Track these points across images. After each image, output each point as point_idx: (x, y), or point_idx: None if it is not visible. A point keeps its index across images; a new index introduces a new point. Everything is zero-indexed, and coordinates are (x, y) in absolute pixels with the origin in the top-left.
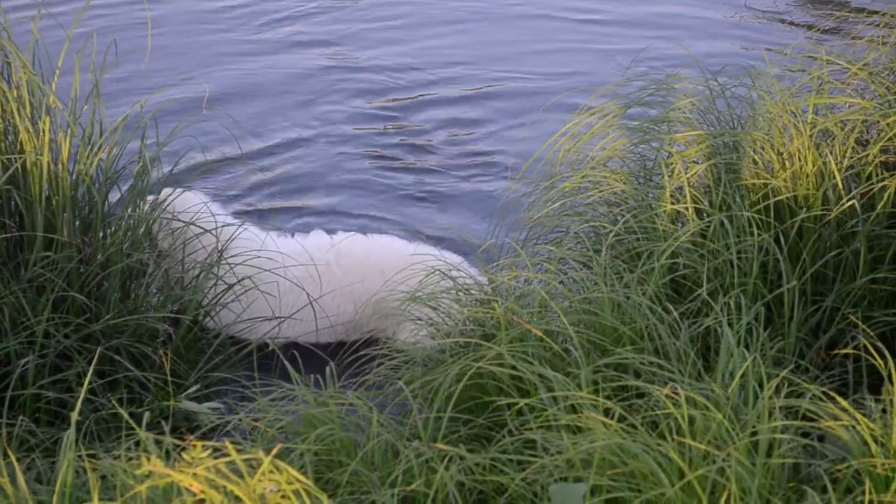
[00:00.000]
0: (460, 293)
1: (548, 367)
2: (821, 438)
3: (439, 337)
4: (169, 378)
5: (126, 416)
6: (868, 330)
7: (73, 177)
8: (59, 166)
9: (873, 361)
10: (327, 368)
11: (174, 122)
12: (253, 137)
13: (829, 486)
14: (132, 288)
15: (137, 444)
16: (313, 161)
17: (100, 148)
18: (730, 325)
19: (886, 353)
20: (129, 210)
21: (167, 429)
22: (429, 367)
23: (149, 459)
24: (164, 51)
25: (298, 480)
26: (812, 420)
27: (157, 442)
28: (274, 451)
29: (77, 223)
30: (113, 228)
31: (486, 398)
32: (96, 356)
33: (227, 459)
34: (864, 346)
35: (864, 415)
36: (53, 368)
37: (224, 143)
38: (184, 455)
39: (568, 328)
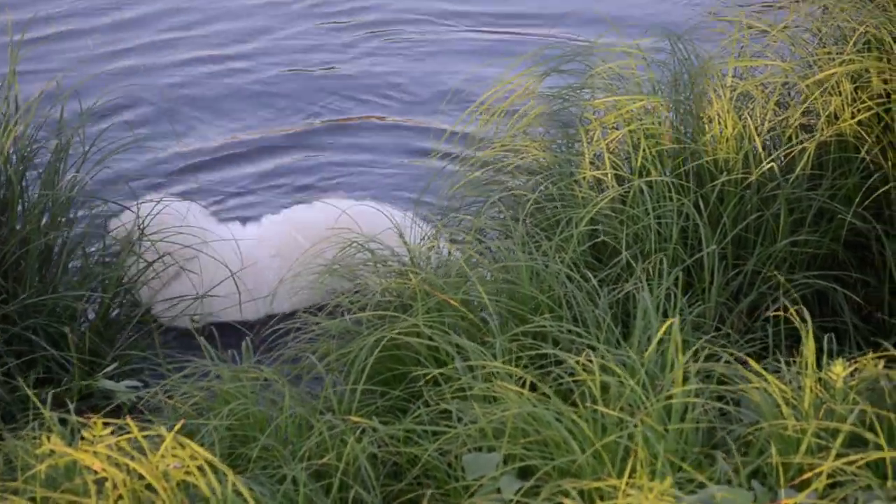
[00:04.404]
0: (378, 265)
1: (464, 336)
2: (737, 403)
3: (356, 309)
4: (85, 357)
5: (31, 394)
6: (791, 291)
7: None
8: None
9: (793, 323)
10: (243, 343)
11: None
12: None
13: (734, 450)
14: (49, 267)
15: (43, 424)
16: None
17: (14, 124)
18: (650, 290)
19: (807, 314)
20: (48, 188)
21: (72, 407)
22: (345, 340)
23: (49, 438)
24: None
25: (202, 456)
26: (728, 384)
27: (63, 421)
28: (176, 428)
29: None
30: (30, 207)
31: (403, 370)
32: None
33: (128, 437)
34: (785, 309)
35: (779, 378)
36: None
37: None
38: (84, 433)
39: (483, 297)
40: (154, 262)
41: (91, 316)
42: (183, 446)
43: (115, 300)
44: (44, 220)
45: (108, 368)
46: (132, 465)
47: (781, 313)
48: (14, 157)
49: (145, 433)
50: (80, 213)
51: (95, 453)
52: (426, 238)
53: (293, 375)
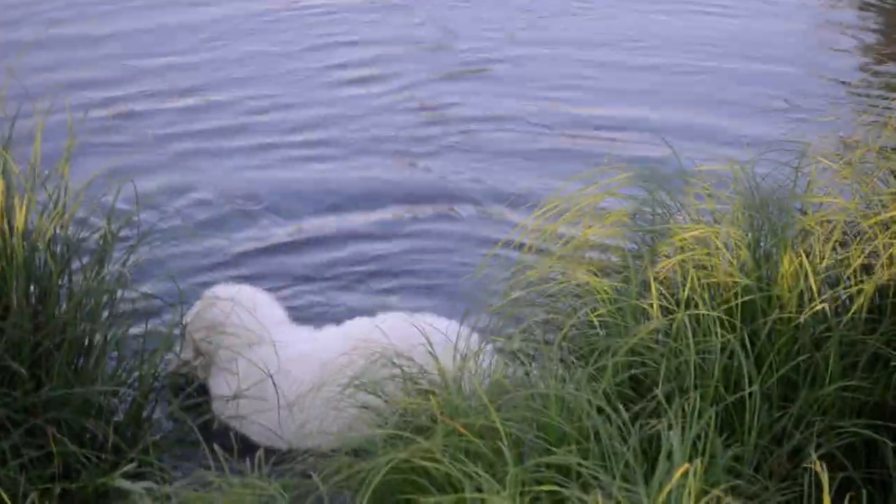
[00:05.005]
0: (407, 381)
1: (481, 465)
2: None
3: (372, 426)
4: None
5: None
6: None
7: (28, 244)
8: (14, 232)
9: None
10: (258, 453)
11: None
12: None
13: None
14: (84, 360)
15: None
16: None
17: (60, 215)
18: (683, 429)
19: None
20: (88, 279)
21: None
22: (359, 458)
23: None
24: None
25: None
26: None
27: None
28: None
29: (34, 290)
30: (70, 299)
31: (415, 496)
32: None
33: None
34: (829, 456)
35: None
36: None
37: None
38: None
39: (498, 425)
40: (195, 358)
41: (122, 411)
42: None
43: (147, 398)
44: (83, 310)
45: (128, 467)
46: None
47: (820, 463)
48: (59, 244)
49: None
50: (122, 307)
51: None
52: (463, 357)
53: (300, 493)
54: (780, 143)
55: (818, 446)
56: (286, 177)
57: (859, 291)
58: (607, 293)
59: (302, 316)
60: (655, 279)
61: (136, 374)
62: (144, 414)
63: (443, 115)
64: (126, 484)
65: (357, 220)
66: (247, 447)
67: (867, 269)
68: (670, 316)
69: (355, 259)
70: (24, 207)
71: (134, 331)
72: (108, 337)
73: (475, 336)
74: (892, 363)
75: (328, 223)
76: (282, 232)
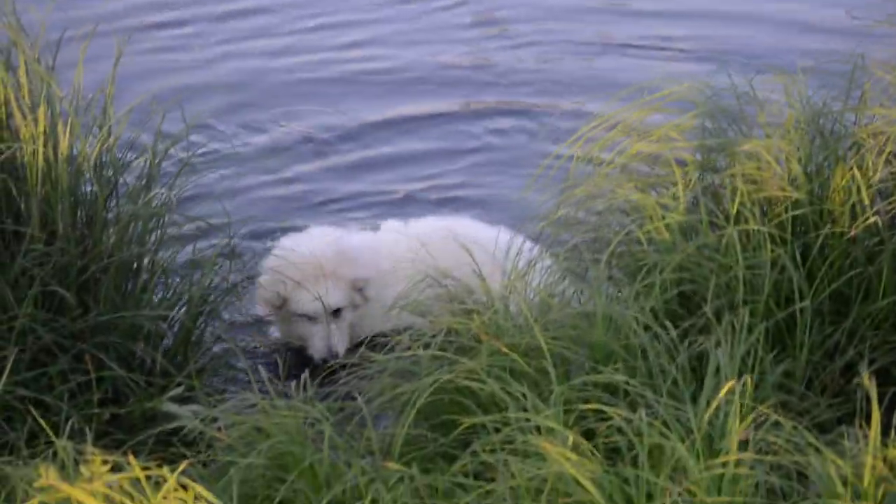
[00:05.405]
0: (453, 302)
1: (526, 385)
2: (804, 476)
3: (416, 347)
4: (154, 380)
5: (44, 424)
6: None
7: (74, 170)
8: (58, 157)
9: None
10: (302, 376)
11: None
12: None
13: None
14: (130, 284)
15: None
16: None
17: (105, 139)
18: (731, 345)
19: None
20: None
21: (89, 437)
22: (404, 379)
23: (47, 470)
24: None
25: (206, 499)
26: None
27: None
28: (180, 469)
29: (81, 216)
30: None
31: (461, 415)
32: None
33: (128, 475)
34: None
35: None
36: (34, 363)
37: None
38: (82, 468)
39: (542, 343)
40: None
41: (171, 336)
42: (185, 488)
43: (197, 321)
44: (131, 237)
45: (175, 391)
46: None
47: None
48: (105, 168)
49: (148, 472)
50: (171, 230)
51: (93, 492)
52: (511, 275)
53: (344, 415)
54: (833, 53)
55: (871, 361)
56: (339, 92)
57: None
58: (655, 209)
59: None
60: (704, 194)
61: (185, 297)
62: (193, 338)
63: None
64: (173, 407)
65: (415, 133)
66: (292, 370)
67: None
68: (720, 231)
69: (411, 176)
70: (67, 132)
71: (182, 257)
72: (156, 261)
73: (525, 249)
74: None
75: (378, 138)
76: (333, 152)
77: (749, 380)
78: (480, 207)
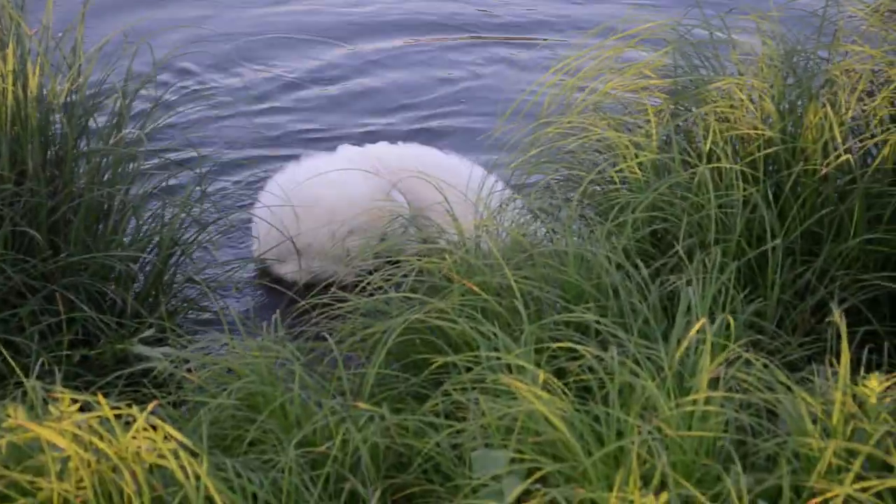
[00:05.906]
0: (425, 241)
1: (498, 325)
2: (774, 414)
3: (389, 286)
4: (125, 321)
5: (13, 364)
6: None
7: (44, 108)
8: (27, 96)
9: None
10: (273, 316)
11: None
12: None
13: (739, 465)
14: (101, 226)
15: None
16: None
17: (76, 76)
18: (703, 284)
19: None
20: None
21: (58, 377)
22: (374, 319)
23: (16, 410)
24: None
25: (176, 439)
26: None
27: (47, 390)
28: (150, 408)
29: (50, 155)
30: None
31: (429, 355)
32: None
33: (96, 415)
34: (854, 310)
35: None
36: (4, 304)
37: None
38: (51, 408)
39: (511, 281)
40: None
41: (141, 279)
42: (155, 428)
43: (168, 263)
44: (102, 177)
45: (146, 333)
46: (98, 444)
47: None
48: (75, 108)
49: (117, 411)
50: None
51: (62, 431)
52: (482, 213)
53: (315, 355)
54: None
55: (841, 300)
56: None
57: (885, 142)
58: (628, 148)
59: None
60: (677, 132)
61: (156, 239)
62: (164, 279)
63: None
64: (144, 349)
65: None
66: (262, 311)
67: (894, 119)
68: (692, 170)
69: (382, 108)
70: (37, 71)
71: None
72: (126, 202)
73: (495, 188)
74: None
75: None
76: (302, 88)
77: (720, 318)
78: (450, 139)
